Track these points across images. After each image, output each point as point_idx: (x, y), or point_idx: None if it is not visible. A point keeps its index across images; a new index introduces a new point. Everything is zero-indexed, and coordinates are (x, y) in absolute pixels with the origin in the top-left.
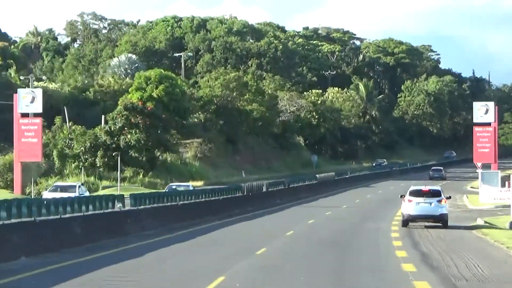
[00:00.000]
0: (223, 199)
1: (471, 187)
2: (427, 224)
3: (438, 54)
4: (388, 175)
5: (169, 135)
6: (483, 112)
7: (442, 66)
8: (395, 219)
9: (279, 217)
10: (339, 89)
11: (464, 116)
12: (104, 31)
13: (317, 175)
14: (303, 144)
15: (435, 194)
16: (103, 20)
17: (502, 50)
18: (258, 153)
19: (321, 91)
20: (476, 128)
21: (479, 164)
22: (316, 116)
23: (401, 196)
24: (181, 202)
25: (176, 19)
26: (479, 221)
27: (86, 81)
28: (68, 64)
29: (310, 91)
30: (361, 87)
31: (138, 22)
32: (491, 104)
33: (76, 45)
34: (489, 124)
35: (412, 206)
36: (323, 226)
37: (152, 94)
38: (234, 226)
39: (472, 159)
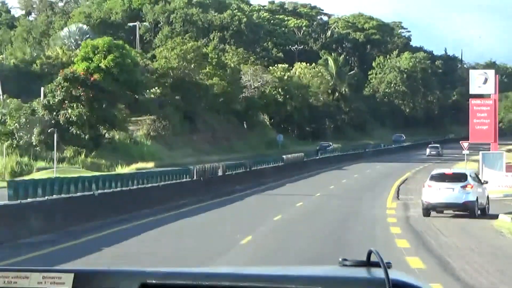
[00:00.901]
0: (164, 187)
1: None
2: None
3: (409, 31)
4: (360, 157)
5: (117, 110)
6: (481, 81)
7: (413, 44)
8: (388, 214)
9: (236, 211)
10: (307, 64)
11: (438, 95)
12: (60, 3)
13: (284, 156)
14: (268, 122)
15: (459, 177)
16: None
17: (470, 33)
18: (219, 132)
19: (287, 65)
20: (473, 101)
21: (465, 145)
22: (282, 93)
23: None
24: (98, 192)
25: None
26: (504, 218)
27: (35, 54)
28: (18, 36)
29: (276, 65)
30: (331, 62)
31: None
32: (491, 73)
33: (30, 18)
34: (488, 96)
35: (432, 192)
36: (295, 228)
37: (100, 64)
38: (169, 227)
39: (445, 140)
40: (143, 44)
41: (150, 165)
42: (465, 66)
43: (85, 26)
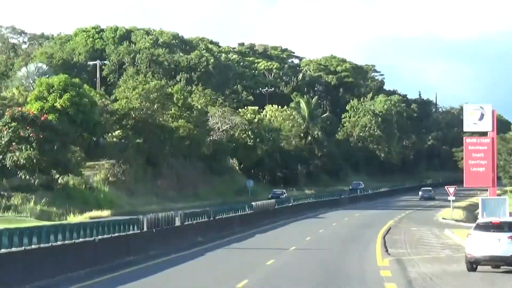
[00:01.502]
0: (102, 242)
1: (443, 218)
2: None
3: (382, 75)
4: (336, 204)
5: (70, 153)
6: (477, 117)
7: (387, 87)
8: (383, 276)
9: (192, 273)
10: (278, 107)
11: (414, 140)
12: (24, 46)
13: (253, 203)
14: (237, 167)
15: (507, 227)
16: (22, 34)
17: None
18: (184, 177)
19: (257, 108)
20: (467, 139)
21: (450, 190)
22: (252, 136)
23: None
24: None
25: (97, 30)
26: None
27: None
28: None
29: (245, 108)
30: (303, 104)
31: (59, 35)
32: (487, 108)
33: None
34: (485, 134)
35: (476, 244)
36: None
37: (55, 104)
38: None
39: (423, 186)
40: (107, 85)
41: (106, 213)
42: (440, 110)
43: (44, 66)
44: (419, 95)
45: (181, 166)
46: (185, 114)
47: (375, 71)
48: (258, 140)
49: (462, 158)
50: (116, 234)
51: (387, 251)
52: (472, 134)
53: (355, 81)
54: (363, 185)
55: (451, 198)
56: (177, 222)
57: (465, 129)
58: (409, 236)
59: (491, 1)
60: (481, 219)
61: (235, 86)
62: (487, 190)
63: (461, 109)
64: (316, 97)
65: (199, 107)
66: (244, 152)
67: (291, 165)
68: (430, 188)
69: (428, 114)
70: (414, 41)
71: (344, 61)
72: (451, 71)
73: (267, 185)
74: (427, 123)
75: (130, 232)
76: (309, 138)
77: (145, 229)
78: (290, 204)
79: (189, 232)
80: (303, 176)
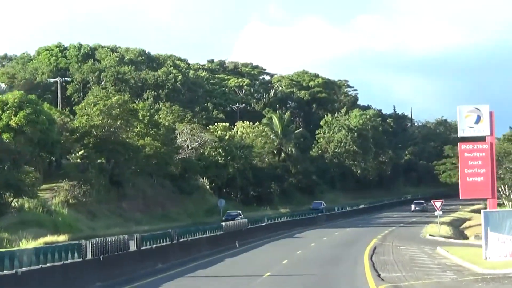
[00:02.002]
0: (28, 275)
1: (430, 235)
2: None
3: (356, 90)
4: (313, 222)
5: (24, 174)
6: (473, 120)
7: (361, 103)
8: None
9: None
10: (250, 123)
11: (390, 155)
12: None
13: (223, 224)
14: (208, 186)
15: None
16: None
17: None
18: (151, 198)
19: (228, 124)
20: (463, 146)
21: (437, 204)
22: (223, 154)
23: None
24: None
25: (61, 48)
26: None
27: None
28: None
29: (216, 124)
30: (275, 120)
31: (22, 55)
32: (484, 109)
33: None
34: (482, 140)
35: None
36: None
37: (9, 122)
38: None
39: (403, 202)
40: (72, 105)
41: (62, 238)
42: (415, 124)
43: (3, 85)
44: (394, 109)
45: (148, 186)
46: (151, 132)
47: (348, 86)
48: (229, 157)
49: (443, 172)
50: (49, 264)
51: (379, 275)
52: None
53: (328, 96)
54: (324, 205)
55: (438, 213)
56: (132, 247)
57: (459, 134)
58: (399, 256)
59: (454, 18)
60: None
61: (205, 104)
62: (471, 204)
63: (437, 123)
64: (289, 112)
65: (167, 124)
66: (215, 170)
67: (264, 183)
68: (423, 201)
69: (404, 129)
70: (383, 57)
71: (316, 76)
72: (421, 86)
73: (240, 204)
74: (403, 137)
75: (69, 261)
76: (283, 155)
77: (89, 256)
78: (264, 223)
79: (147, 258)
80: (277, 194)
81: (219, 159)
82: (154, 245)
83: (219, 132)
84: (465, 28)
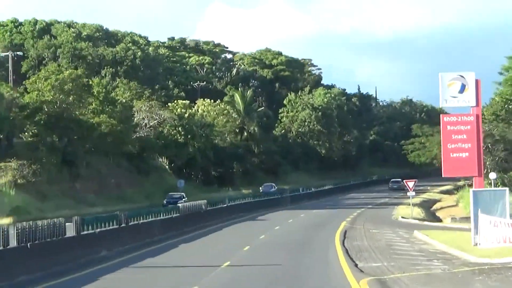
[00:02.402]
0: None
1: (402, 217)
2: None
3: (320, 69)
4: (277, 204)
5: None
6: (457, 89)
7: (325, 82)
8: None
9: None
10: (211, 101)
11: (356, 135)
12: None
13: (179, 205)
14: (167, 167)
15: None
16: None
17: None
18: (107, 178)
19: (188, 101)
20: (445, 118)
21: (410, 184)
22: (183, 133)
23: None
24: None
25: (15, 23)
26: None
27: None
28: None
29: (175, 101)
30: (237, 98)
31: None
32: (470, 77)
33: None
34: (468, 112)
35: None
36: None
37: None
38: None
39: (369, 183)
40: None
41: (7, 221)
42: (380, 104)
43: None
44: (358, 89)
45: (103, 166)
46: (107, 109)
47: (312, 65)
48: (189, 136)
49: (411, 151)
50: None
51: (356, 265)
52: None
53: (291, 75)
54: (275, 187)
55: (411, 193)
56: (72, 232)
57: (441, 105)
58: (374, 241)
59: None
60: None
61: (165, 82)
62: (440, 184)
63: (403, 103)
64: (251, 90)
65: (124, 101)
66: (175, 149)
67: (226, 163)
68: (400, 179)
69: (368, 109)
70: (345, 38)
71: (279, 54)
72: (383, 68)
73: (201, 185)
74: (368, 118)
75: None
76: (245, 134)
77: (13, 244)
78: (225, 205)
79: (88, 244)
80: (239, 175)
81: (179, 138)
82: (98, 230)
83: (178, 110)
84: (427, 10)
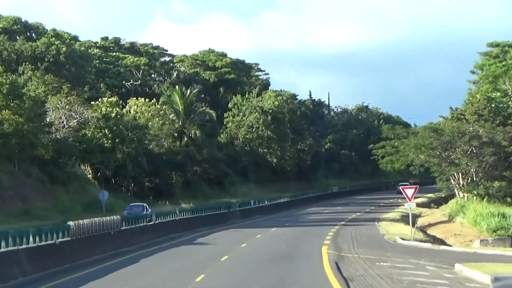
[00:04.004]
0: None
1: (402, 239)
2: None
3: (267, 74)
4: (224, 219)
5: None
6: None
7: (273, 88)
8: None
9: None
10: (146, 100)
11: (310, 142)
12: None
13: (70, 223)
14: (90, 176)
15: None
16: None
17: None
18: (10, 189)
19: (116, 98)
20: None
21: (409, 193)
22: (110, 135)
23: None
24: None
25: None
26: None
27: None
28: None
29: (100, 99)
30: (176, 97)
31: None
32: None
33: None
34: None
35: None
36: None
37: None
38: None
39: (329, 195)
40: None
41: None
42: (334, 110)
43: None
44: (310, 95)
45: (5, 174)
46: (12, 104)
47: (259, 70)
48: (117, 140)
49: (382, 156)
50: None
51: None
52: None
53: (237, 78)
54: (148, 210)
55: (409, 205)
56: None
57: None
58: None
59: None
60: None
61: (97, 84)
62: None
63: (358, 109)
64: (192, 89)
65: (34, 94)
66: (100, 155)
67: (162, 172)
68: (408, 183)
69: (321, 116)
70: (290, 54)
71: (223, 55)
72: (328, 83)
73: (132, 198)
74: (322, 125)
75: None
76: (185, 139)
77: None
78: (152, 222)
79: None
80: (179, 186)
81: (105, 142)
82: None
83: (103, 109)
84: (371, 27)
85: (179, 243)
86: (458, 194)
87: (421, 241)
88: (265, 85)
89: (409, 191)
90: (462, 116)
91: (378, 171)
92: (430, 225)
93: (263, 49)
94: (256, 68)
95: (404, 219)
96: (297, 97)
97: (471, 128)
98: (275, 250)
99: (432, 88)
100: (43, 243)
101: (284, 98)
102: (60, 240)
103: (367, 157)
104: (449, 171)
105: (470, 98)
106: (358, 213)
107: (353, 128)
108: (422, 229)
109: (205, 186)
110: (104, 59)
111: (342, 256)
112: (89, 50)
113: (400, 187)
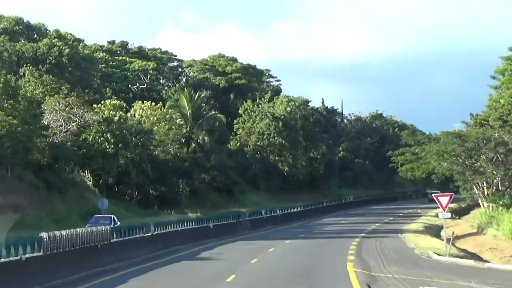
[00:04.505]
0: None
1: (437, 254)
2: None
3: (279, 81)
4: (233, 230)
5: None
6: None
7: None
8: None
9: None
10: (152, 103)
11: (323, 150)
12: None
13: (43, 234)
14: (90, 183)
15: None
16: None
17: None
18: (3, 196)
19: (120, 101)
20: None
21: (444, 201)
22: (113, 140)
23: None
24: None
25: None
26: None
27: None
28: None
29: (103, 102)
30: (184, 101)
31: None
32: None
33: None
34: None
35: None
36: None
37: None
38: None
39: (344, 204)
40: None
41: None
42: (348, 118)
43: None
44: (322, 102)
45: None
46: (6, 105)
47: (271, 76)
48: (120, 146)
49: (402, 164)
50: None
51: None
52: None
53: (248, 84)
54: (116, 222)
55: (444, 215)
56: None
57: None
58: None
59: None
60: None
61: (102, 89)
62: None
63: (372, 117)
64: (202, 93)
65: (29, 95)
66: (102, 162)
67: (168, 180)
68: (438, 191)
69: (334, 124)
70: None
71: (234, 60)
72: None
73: (136, 207)
74: (335, 133)
75: None
76: (193, 145)
77: None
78: (149, 233)
79: None
80: (186, 194)
81: (108, 147)
82: None
83: (106, 112)
84: (381, 37)
85: (179, 257)
86: (482, 204)
87: (457, 256)
88: (277, 91)
89: (444, 200)
90: (485, 122)
91: (392, 181)
92: (458, 237)
93: (274, 59)
94: (267, 74)
95: (428, 230)
96: (309, 103)
97: (496, 134)
98: (291, 268)
99: (442, 97)
100: (5, 259)
101: (297, 104)
102: (28, 255)
103: (381, 166)
104: (473, 180)
105: (493, 104)
106: (377, 224)
107: (367, 136)
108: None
109: (213, 195)
110: (110, 63)
111: (373, 276)
112: (94, 54)
113: (432, 195)
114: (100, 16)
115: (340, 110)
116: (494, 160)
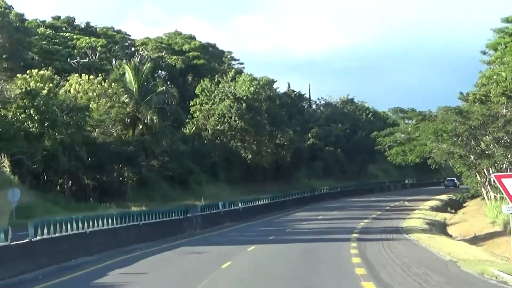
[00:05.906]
0: None
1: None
2: None
3: (242, 64)
4: (178, 230)
5: None
6: None
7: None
8: None
9: None
10: (90, 77)
11: (291, 136)
12: None
13: None
14: (8, 169)
15: None
16: None
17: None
18: None
19: (50, 72)
20: None
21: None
22: (37, 117)
23: None
24: None
25: None
26: None
27: None
28: None
29: (29, 71)
30: (129, 74)
31: None
32: None
33: None
34: None
35: None
36: None
37: None
38: None
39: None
40: None
41: None
42: (316, 103)
43: None
44: (288, 86)
45: None
46: None
47: (233, 59)
48: (47, 124)
49: (390, 147)
50: None
51: None
52: None
53: (208, 64)
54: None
55: (510, 208)
56: None
57: None
58: None
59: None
60: None
61: (43, 66)
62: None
63: (343, 102)
64: (150, 64)
65: None
66: (24, 144)
67: (109, 167)
68: (454, 178)
69: (301, 110)
70: (263, 57)
71: (192, 38)
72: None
73: (68, 200)
74: (302, 119)
75: None
76: (140, 126)
77: None
78: (27, 239)
79: None
80: (131, 185)
81: (31, 126)
82: None
83: (32, 83)
84: (343, 30)
85: (61, 285)
86: (487, 195)
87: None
88: (239, 72)
89: (510, 182)
90: (486, 98)
91: (365, 171)
92: (477, 238)
93: (237, 52)
94: (229, 56)
95: (436, 228)
96: (275, 84)
97: (504, 111)
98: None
99: (406, 90)
100: None
101: (261, 83)
102: None
103: (353, 155)
104: (480, 165)
105: (494, 77)
106: (366, 220)
107: (338, 122)
108: (467, 240)
109: (165, 185)
110: (53, 40)
111: None
112: (37, 30)
113: (447, 181)
114: (63, 9)
115: (307, 95)
116: (502, 141)
